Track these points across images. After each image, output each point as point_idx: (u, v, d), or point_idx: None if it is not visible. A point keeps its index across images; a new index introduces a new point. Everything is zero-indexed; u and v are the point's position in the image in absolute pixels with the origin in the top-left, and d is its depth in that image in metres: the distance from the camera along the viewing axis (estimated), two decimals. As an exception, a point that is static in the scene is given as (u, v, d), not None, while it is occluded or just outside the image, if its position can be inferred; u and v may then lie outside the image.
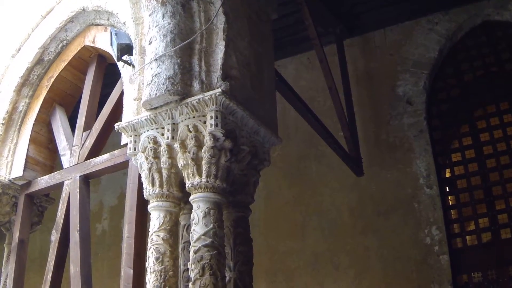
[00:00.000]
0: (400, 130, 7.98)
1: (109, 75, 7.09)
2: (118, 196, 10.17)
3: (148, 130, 4.52)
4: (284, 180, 8.24)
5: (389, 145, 7.99)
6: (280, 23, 7.12)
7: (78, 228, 5.84)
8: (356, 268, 7.70)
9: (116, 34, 5.52)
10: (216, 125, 4.18)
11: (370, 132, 8.13)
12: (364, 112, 8.22)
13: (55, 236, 6.16)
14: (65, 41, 7.00)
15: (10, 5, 8.27)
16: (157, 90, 4.35)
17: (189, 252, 4.14)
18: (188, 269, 4.18)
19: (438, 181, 7.57)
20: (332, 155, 7.48)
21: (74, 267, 5.74)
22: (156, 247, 4.30)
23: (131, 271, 4.96)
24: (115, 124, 4.87)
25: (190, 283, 3.99)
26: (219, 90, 4.20)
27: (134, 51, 5.24)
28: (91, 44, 6.74)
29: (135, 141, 4.62)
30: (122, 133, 4.93)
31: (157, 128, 4.48)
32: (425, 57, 8.16)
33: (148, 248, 4.36)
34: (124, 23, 5.89)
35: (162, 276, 4.24)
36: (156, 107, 4.45)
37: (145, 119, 4.51)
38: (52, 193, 7.09)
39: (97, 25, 6.71)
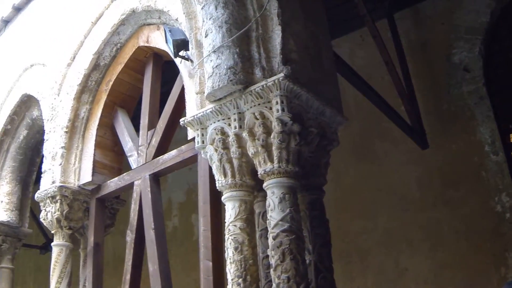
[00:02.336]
0: (460, 99, 7.85)
1: (166, 72, 7.14)
2: (186, 191, 10.31)
3: (214, 122, 4.51)
4: (350, 159, 8.19)
5: (451, 115, 7.86)
6: (329, 2, 7.06)
7: (153, 226, 5.91)
8: (429, 242, 7.62)
9: (170, 31, 5.55)
10: (283, 109, 4.14)
11: (430, 104, 8.02)
12: (422, 84, 8.11)
13: (130, 237, 6.25)
14: (119, 44, 7.10)
15: (59, 15, 8.42)
16: (219, 81, 4.33)
17: (267, 239, 4.13)
18: (267, 256, 4.18)
19: (503, 147, 7.42)
20: (395, 130, 7.40)
21: (152, 265, 5.81)
22: (234, 237, 4.30)
23: (210, 263, 4.99)
24: (181, 120, 4.87)
25: (271, 270, 3.96)
26: (282, 74, 4.16)
27: (190, 46, 5.23)
28: (146, 44, 6.79)
29: (202, 134, 4.61)
30: (188, 128, 4.94)
31: (223, 119, 4.47)
32: (477, 22, 7.99)
33: (226, 239, 4.36)
34: (177, 19, 5.93)
35: (243, 266, 4.23)
36: (220, 98, 4.43)
37: (210, 111, 4.50)
38: (123, 195, 7.20)
39: (149, 24, 6.75)
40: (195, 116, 4.62)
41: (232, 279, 4.22)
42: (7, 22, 11.28)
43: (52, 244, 7.16)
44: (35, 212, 10.79)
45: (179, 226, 10.67)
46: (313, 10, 5.13)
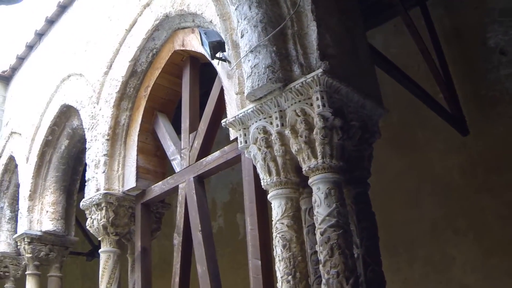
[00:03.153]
0: (498, 83, 7.75)
1: (203, 74, 7.20)
2: (229, 191, 10.37)
3: (256, 121, 4.53)
4: (391, 150, 8.14)
5: (490, 99, 7.76)
6: (361, -6, 7.05)
7: (200, 228, 5.98)
8: (475, 230, 7.54)
9: (205, 33, 5.59)
10: (323, 105, 4.14)
11: (468, 90, 7.92)
12: (459, 70, 8.02)
13: (177, 240, 6.32)
14: (154, 50, 7.18)
15: (92, 25, 8.53)
16: (258, 80, 4.35)
17: (315, 235, 4.14)
18: (315, 252, 4.17)
19: (545, 129, 7.33)
20: (435, 118, 7.35)
21: (201, 267, 5.87)
22: (282, 235, 4.30)
23: (259, 262, 5.02)
24: (222, 121, 4.91)
25: (320, 265, 3.96)
26: (320, 70, 4.15)
27: (226, 47, 5.28)
28: (181, 48, 6.85)
29: (245, 134, 4.64)
30: (230, 128, 4.98)
31: (264, 118, 4.48)
32: (511, 3, 7.87)
33: (274, 237, 4.37)
34: (211, 21, 5.98)
35: (291, 263, 4.24)
36: (261, 97, 4.45)
37: (251, 111, 4.52)
38: (167, 198, 7.28)
39: (183, 28, 6.82)
40: (237, 117, 4.65)
41: (281, 277, 4.23)
42: (41, 35, 11.47)
43: (99, 251, 7.27)
44: (80, 220, 10.94)
45: (224, 226, 10.75)
46: (346, 3, 5.11)
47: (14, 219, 11.63)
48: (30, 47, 12.13)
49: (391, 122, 7.92)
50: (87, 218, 7.44)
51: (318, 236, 4.04)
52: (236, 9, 4.73)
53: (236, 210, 10.45)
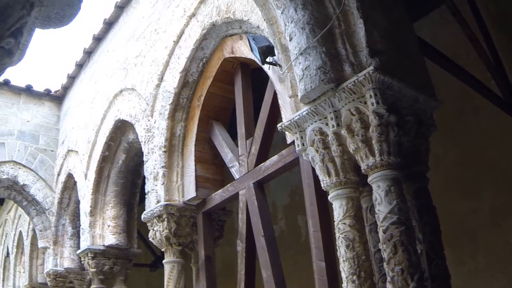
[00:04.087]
0: (549, 63, 7.64)
1: (254, 78, 7.32)
2: (289, 193, 10.44)
3: (312, 123, 4.59)
4: (447, 141, 8.09)
5: (543, 83, 7.67)
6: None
7: (262, 233, 6.07)
8: (538, 216, 7.46)
9: (254, 39, 5.68)
10: (377, 102, 4.17)
11: (520, 75, 7.84)
12: (509, 55, 7.93)
13: (240, 246, 6.43)
14: (204, 59, 7.32)
15: (140, 39, 8.74)
16: (311, 82, 4.41)
17: (377, 233, 4.17)
18: (379, 250, 4.21)
19: None
20: (489, 105, 7.28)
21: (265, 272, 5.96)
22: (345, 235, 4.35)
23: (323, 263, 5.08)
24: (278, 125, 4.99)
25: (384, 263, 4.00)
26: (371, 67, 4.19)
27: (276, 51, 5.35)
28: (231, 55, 6.97)
29: (301, 137, 4.70)
30: (286, 132, 5.05)
31: (320, 119, 4.53)
32: (557, -16, 7.78)
33: (337, 237, 4.41)
34: (258, 27, 6.06)
35: (356, 262, 4.27)
36: (314, 99, 4.50)
37: (306, 113, 4.57)
38: (228, 205, 7.40)
39: (231, 35, 6.94)
40: (292, 120, 4.71)
41: (346, 277, 4.28)
42: (89, 53, 11.80)
43: (163, 261, 7.45)
44: (142, 231, 11.17)
45: (285, 228, 10.83)
46: None
47: (76, 235, 12.00)
48: (80, 66, 12.48)
49: (445, 113, 7.87)
50: (149, 230, 7.63)
51: (380, 234, 4.07)
52: (282, 12, 4.80)
53: (296, 212, 10.52)
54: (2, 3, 2.86)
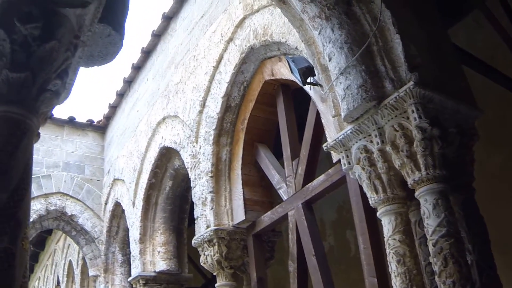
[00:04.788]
0: None
1: (294, 97, 7.42)
2: (336, 209, 10.49)
3: (356, 142, 4.68)
4: (490, 147, 8.07)
5: None
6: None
7: (313, 253, 6.17)
8: None
9: (293, 61, 5.81)
10: (420, 117, 4.24)
11: None
12: (546, 55, 7.92)
13: (292, 266, 6.53)
14: (245, 83, 7.48)
15: (179, 67, 8.96)
16: (353, 101, 4.50)
17: (427, 246, 4.22)
18: (429, 263, 4.25)
19: None
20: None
21: (318, 291, 6.06)
22: (395, 251, 4.41)
23: (375, 279, 5.16)
24: (323, 145, 5.10)
25: (436, 276, 4.06)
26: (411, 82, 4.26)
27: (316, 71, 5.45)
28: (271, 77, 7.12)
29: (347, 156, 4.79)
30: (332, 152, 5.16)
31: (364, 137, 4.62)
32: None
33: (387, 253, 4.48)
34: (296, 48, 6.19)
35: (407, 277, 4.32)
36: (357, 118, 4.59)
37: (350, 132, 4.67)
38: (277, 226, 7.49)
39: (270, 57, 7.09)
40: (337, 139, 4.81)
41: (399, 292, 4.34)
42: (129, 82, 12.08)
43: (216, 285, 7.59)
44: (191, 255, 11.30)
45: (335, 244, 10.88)
46: (424, 8, 5.18)
47: (127, 262, 12.23)
48: (121, 95, 12.77)
49: (487, 120, 7.83)
50: (200, 255, 7.78)
51: (430, 247, 4.13)
52: (319, 33, 4.90)
53: (345, 227, 10.55)
54: (47, 47, 3.06)
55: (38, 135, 3.18)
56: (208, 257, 7.58)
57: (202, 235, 7.62)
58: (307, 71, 5.68)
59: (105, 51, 3.69)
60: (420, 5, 5.10)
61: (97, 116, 16.43)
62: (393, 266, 4.43)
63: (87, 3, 3.21)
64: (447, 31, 5.47)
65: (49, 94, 3.16)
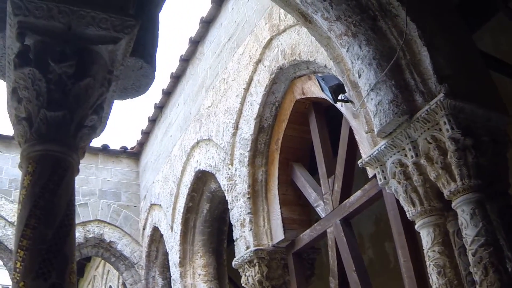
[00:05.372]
0: None
1: (326, 114, 7.51)
2: (374, 222, 10.46)
3: (391, 156, 4.74)
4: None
5: None
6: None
7: (354, 268, 6.25)
8: None
9: (323, 79, 5.90)
10: (452, 128, 4.29)
11: None
12: None
13: (333, 283, 6.61)
14: (276, 103, 7.61)
15: (209, 90, 9.11)
16: (385, 117, 4.58)
17: (466, 256, 4.26)
18: (470, 273, 4.28)
19: None
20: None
21: (363, 306, 6.12)
22: (435, 262, 4.46)
23: (417, 292, 5.18)
24: (359, 162, 5.17)
25: (477, 286, 4.09)
26: (442, 94, 4.32)
27: (346, 88, 5.54)
28: (302, 96, 7.23)
29: (382, 171, 4.86)
30: (367, 167, 5.24)
31: (398, 151, 4.68)
32: None
33: (428, 265, 4.53)
34: (325, 66, 6.28)
35: None
36: (391, 133, 4.65)
37: (384, 147, 4.74)
38: (315, 243, 7.55)
39: (299, 76, 7.20)
40: (372, 155, 4.88)
41: (441, 303, 4.37)
42: (161, 107, 12.27)
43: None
44: (232, 276, 11.37)
45: (374, 257, 10.85)
46: (447, 16, 5.21)
47: (167, 286, 12.37)
48: (153, 121, 12.96)
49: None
50: (241, 276, 7.88)
51: (470, 257, 4.16)
52: (347, 51, 4.97)
53: (383, 239, 10.51)
54: (82, 84, 3.22)
55: (78, 170, 3.28)
56: (249, 278, 7.68)
57: (242, 256, 7.74)
58: (337, 89, 5.77)
59: (138, 83, 3.83)
60: (444, 14, 5.14)
61: (130, 143, 16.68)
62: (434, 278, 4.47)
63: (119, 39, 3.36)
64: (472, 37, 5.47)
65: (86, 130, 3.32)
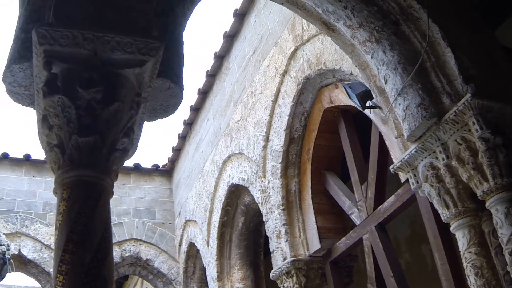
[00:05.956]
0: None
1: (355, 120, 7.55)
2: (408, 225, 10.43)
3: (422, 160, 4.76)
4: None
5: None
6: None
7: (391, 274, 6.27)
8: None
9: (350, 87, 5.93)
10: (481, 128, 4.29)
11: None
12: None
13: (372, 289, 6.64)
14: (305, 113, 7.66)
15: (237, 104, 9.20)
16: (414, 121, 4.60)
17: (503, 255, 4.26)
18: (507, 272, 4.27)
19: None
20: None
21: (403, 312, 6.12)
22: (472, 263, 4.46)
23: (455, 294, 5.19)
24: (390, 167, 5.21)
25: None
26: (469, 95, 4.33)
27: (373, 94, 5.56)
28: (330, 105, 7.27)
29: (415, 175, 4.87)
30: (399, 172, 5.27)
31: (429, 155, 4.69)
32: None
33: (465, 267, 4.54)
34: (351, 73, 6.32)
35: None
36: (420, 136, 4.67)
37: (415, 152, 4.76)
38: (352, 250, 7.58)
39: (326, 85, 7.25)
40: (403, 160, 4.91)
41: (479, 304, 4.37)
42: (190, 124, 12.39)
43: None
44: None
45: (411, 260, 10.81)
46: (469, 15, 5.17)
47: (206, 300, 12.42)
48: (183, 138, 13.08)
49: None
50: (279, 287, 7.93)
51: (507, 256, 4.16)
52: (372, 57, 5.01)
53: (419, 242, 10.43)
54: (112, 109, 3.27)
55: (112, 192, 3.32)
56: (288, 288, 7.73)
57: (279, 268, 7.78)
58: (365, 95, 5.78)
59: (166, 104, 3.84)
60: (465, 13, 5.13)
61: (161, 160, 16.83)
62: (471, 279, 4.48)
63: (145, 62, 3.40)
64: (494, 34, 5.46)
65: (118, 153, 3.34)
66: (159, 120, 4.06)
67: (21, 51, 3.40)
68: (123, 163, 3.51)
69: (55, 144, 3.25)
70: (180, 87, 3.76)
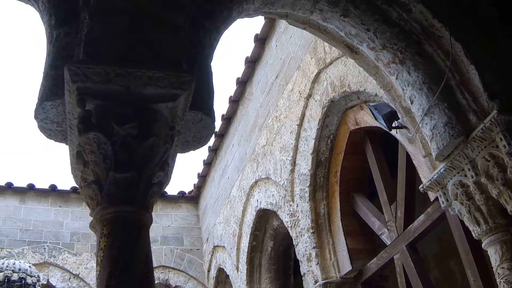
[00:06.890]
0: None
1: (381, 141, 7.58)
2: (436, 241, 10.41)
3: (451, 178, 4.79)
4: None
5: None
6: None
7: (424, 292, 6.28)
8: None
9: (375, 108, 5.99)
10: (509, 144, 4.29)
11: None
12: None
13: (405, 308, 6.65)
14: (331, 136, 7.72)
15: (261, 129, 9.28)
16: (442, 140, 4.65)
17: None
18: None
19: None
20: None
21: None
22: (506, 279, 4.46)
23: (493, 310, 5.19)
24: (420, 187, 5.23)
25: None
26: (495, 111, 4.35)
27: (399, 114, 5.63)
28: (356, 127, 7.34)
29: (444, 193, 4.92)
30: (428, 191, 5.29)
31: (458, 173, 4.72)
32: None
33: (498, 283, 4.55)
34: (376, 95, 6.39)
35: None
36: (448, 155, 4.71)
37: (444, 170, 4.79)
38: (383, 271, 7.60)
39: (351, 107, 7.31)
40: (432, 179, 4.94)
41: (514, 320, 4.37)
42: (214, 150, 12.49)
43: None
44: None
45: (439, 276, 10.78)
46: (489, 31, 5.04)
47: (237, 325, 12.44)
48: (209, 164, 13.20)
49: None
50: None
51: None
52: (396, 78, 5.04)
53: (448, 258, 10.43)
54: (147, 144, 3.29)
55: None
56: (314, 312, 7.77)
57: (304, 291, 7.84)
58: (390, 116, 5.82)
59: (199, 135, 3.86)
60: (486, 28, 5.07)
61: (187, 187, 16.93)
62: (505, 294, 4.45)
63: (178, 96, 3.42)
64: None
65: (156, 187, 3.37)
66: (191, 151, 4.10)
67: (52, 88, 3.42)
68: (157, 196, 3.51)
69: (92, 181, 3.26)
70: (212, 118, 3.78)
